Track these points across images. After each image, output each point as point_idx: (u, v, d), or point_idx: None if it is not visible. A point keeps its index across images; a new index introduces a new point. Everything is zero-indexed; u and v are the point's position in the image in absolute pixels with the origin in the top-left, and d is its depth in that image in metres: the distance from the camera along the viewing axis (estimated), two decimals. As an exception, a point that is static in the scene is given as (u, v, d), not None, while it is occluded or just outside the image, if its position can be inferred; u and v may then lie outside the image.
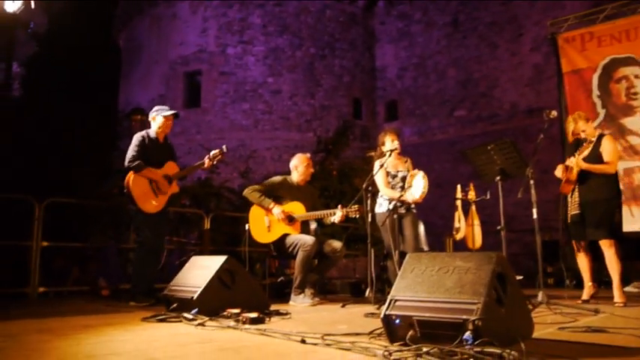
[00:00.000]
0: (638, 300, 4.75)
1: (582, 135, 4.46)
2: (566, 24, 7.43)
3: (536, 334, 2.52)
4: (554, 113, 4.30)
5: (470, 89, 13.14)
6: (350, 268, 5.42)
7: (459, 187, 5.28)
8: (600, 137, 4.42)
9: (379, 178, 4.76)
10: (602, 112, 6.48)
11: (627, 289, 5.32)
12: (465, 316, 2.26)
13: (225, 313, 3.18)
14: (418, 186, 4.55)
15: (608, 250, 4.34)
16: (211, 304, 3.33)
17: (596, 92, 6.58)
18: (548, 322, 3.22)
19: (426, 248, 5.39)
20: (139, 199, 4.34)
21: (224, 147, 4.63)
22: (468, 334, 2.21)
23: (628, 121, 6.36)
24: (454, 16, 13.91)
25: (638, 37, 6.51)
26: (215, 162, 4.66)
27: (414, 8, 14.75)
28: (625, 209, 4.56)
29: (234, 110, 13.35)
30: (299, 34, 13.93)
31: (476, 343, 2.14)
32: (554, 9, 11.02)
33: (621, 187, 4.69)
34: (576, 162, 4.31)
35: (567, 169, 4.36)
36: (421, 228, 5.26)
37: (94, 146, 7.49)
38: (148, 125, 4.72)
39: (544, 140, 4.44)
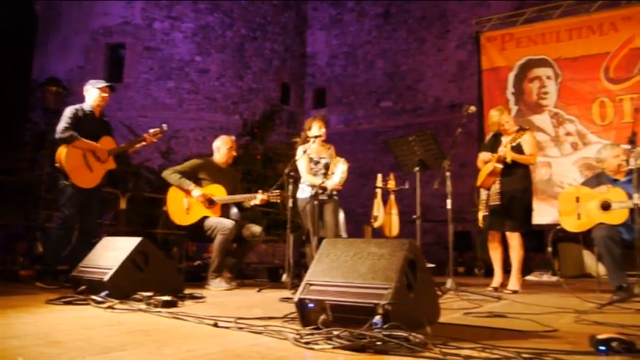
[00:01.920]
0: (537, 288, 5.06)
1: (505, 127, 4.66)
2: (489, 24, 7.73)
3: (442, 319, 2.63)
4: (473, 108, 4.47)
5: (396, 81, 13.39)
6: (269, 253, 5.43)
7: (379, 176, 5.39)
8: (519, 130, 4.62)
9: (302, 163, 4.77)
10: (514, 109, 6.83)
11: (528, 277, 5.66)
12: (375, 301, 2.31)
13: (136, 296, 3.10)
14: (338, 172, 4.62)
15: (516, 239, 4.59)
16: (123, 286, 3.23)
17: (510, 89, 6.93)
18: (454, 307, 3.36)
19: (344, 235, 5.48)
20: (71, 173, 4.13)
21: (164, 125, 4.56)
22: (377, 318, 2.26)
23: (537, 118, 6.75)
24: (386, 8, 14.10)
25: (552, 40, 6.89)
26: (155, 140, 4.58)
27: (347, -3, 14.82)
28: (534, 201, 4.83)
29: (159, 88, 12.92)
30: (230, 14, 13.65)
31: (385, 326, 2.19)
32: (480, 8, 11.42)
33: (532, 180, 4.96)
34: (507, 152, 4.47)
35: (498, 159, 4.49)
36: (341, 215, 5.34)
37: (3, 117, 7.02)
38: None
39: (462, 134, 4.61)
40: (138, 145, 4.65)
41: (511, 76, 6.97)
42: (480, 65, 7.36)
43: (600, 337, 1.89)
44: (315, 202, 4.57)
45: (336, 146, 5.04)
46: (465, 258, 6.79)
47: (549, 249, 5.80)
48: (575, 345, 2.04)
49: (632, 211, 3.97)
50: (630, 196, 4.04)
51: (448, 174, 4.33)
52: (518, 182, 4.56)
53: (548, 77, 6.79)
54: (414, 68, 13.14)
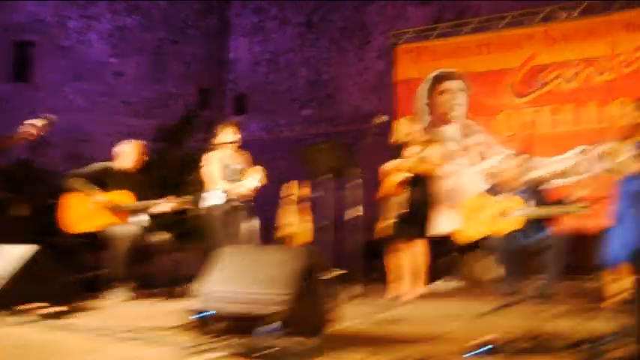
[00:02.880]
0: (441, 294, 5.22)
1: (413, 137, 4.80)
2: (405, 36, 7.95)
3: (343, 325, 2.65)
4: (384, 118, 4.60)
5: (318, 90, 13.50)
6: (175, 262, 5.27)
7: (292, 183, 5.40)
8: (427, 141, 4.77)
9: (215, 169, 4.69)
10: (426, 119, 7.06)
11: (433, 284, 5.82)
12: (271, 308, 2.29)
13: (26, 308, 2.92)
14: (251, 180, 4.58)
15: (422, 246, 4.72)
16: (14, 297, 3.04)
17: (423, 101, 7.17)
18: (357, 314, 3.41)
19: (256, 243, 5.43)
20: None
21: (50, 116, 4.16)
22: (272, 325, 2.25)
23: (447, 129, 7.03)
24: (308, 17, 14.20)
25: (464, 55, 7.21)
26: (42, 133, 4.17)
27: (270, 4, 14.80)
28: (436, 211, 4.99)
29: (71, 89, 12.32)
30: (149, 16, 13.27)
31: (280, 333, 2.18)
32: (400, 20, 11.70)
33: (435, 190, 5.13)
34: (414, 161, 4.59)
35: (405, 168, 4.60)
36: (254, 223, 5.28)
37: None
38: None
39: (376, 143, 4.71)
40: (16, 139, 4.20)
41: (423, 88, 7.22)
42: (395, 76, 7.57)
43: (482, 339, 1.96)
44: (227, 210, 4.50)
45: (256, 154, 4.98)
46: (378, 265, 6.89)
47: (454, 255, 6.03)
48: (461, 347, 2.11)
49: (528, 218, 4.20)
50: (528, 204, 4.28)
51: (360, 182, 4.41)
52: (423, 191, 4.71)
53: (458, 90, 7.09)
54: (335, 77, 13.29)
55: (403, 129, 4.83)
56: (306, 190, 5.42)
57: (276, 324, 2.24)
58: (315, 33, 14.08)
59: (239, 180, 4.70)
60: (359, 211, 4.37)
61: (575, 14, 6.79)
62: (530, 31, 6.93)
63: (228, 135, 4.78)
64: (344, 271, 4.65)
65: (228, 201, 4.52)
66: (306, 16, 14.65)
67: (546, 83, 6.70)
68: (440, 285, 5.96)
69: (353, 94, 13.02)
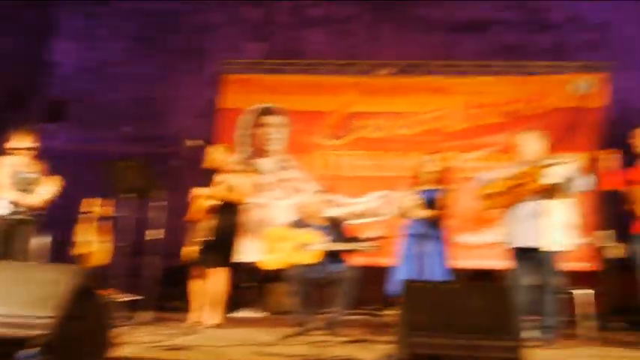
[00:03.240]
0: (241, 323, 5.27)
1: (223, 165, 4.86)
2: (236, 66, 8.11)
3: (122, 352, 2.55)
4: (198, 142, 4.63)
5: (143, 108, 13.01)
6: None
7: (94, 199, 5.11)
8: (238, 171, 4.86)
9: (2, 176, 4.27)
10: (244, 150, 7.22)
11: (234, 314, 5.88)
12: (30, 332, 2.13)
13: None
14: (42, 191, 4.25)
15: (222, 274, 4.75)
16: None
17: (244, 132, 7.33)
18: (145, 340, 3.31)
19: (46, 260, 5.01)
20: None
21: None
22: (33, 351, 2.09)
23: (264, 162, 7.26)
24: (144, 32, 13.73)
25: (288, 92, 7.54)
26: None
27: (105, 11, 14.05)
28: (240, 240, 5.09)
29: None
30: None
31: (43, 359, 2.04)
32: (234, 51, 11.85)
33: (242, 219, 5.24)
34: (223, 189, 4.61)
35: (214, 196, 4.61)
36: (45, 239, 4.88)
37: None
38: None
39: (190, 168, 4.68)
40: None
41: (245, 120, 7.39)
42: (220, 104, 7.65)
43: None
44: (11, 222, 4.11)
45: (65, 165, 4.62)
46: (179, 291, 6.75)
47: (255, 285, 6.16)
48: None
49: (326, 251, 4.46)
50: (327, 239, 4.56)
51: (164, 204, 4.33)
52: (230, 219, 4.78)
53: (278, 125, 7.37)
54: (163, 98, 12.94)
55: (215, 155, 4.89)
56: (109, 209, 5.16)
57: (38, 349, 2.09)
58: (148, 49, 13.63)
59: (31, 190, 4.33)
60: (160, 234, 4.28)
61: (387, 73, 7.54)
62: (349, 80, 7.51)
63: (24, 141, 4.40)
64: (138, 297, 4.49)
65: (14, 213, 4.13)
66: (141, 31, 14.17)
67: (357, 130, 7.28)
68: (239, 314, 6.02)
69: (179, 117, 12.78)
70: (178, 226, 6.23)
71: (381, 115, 7.31)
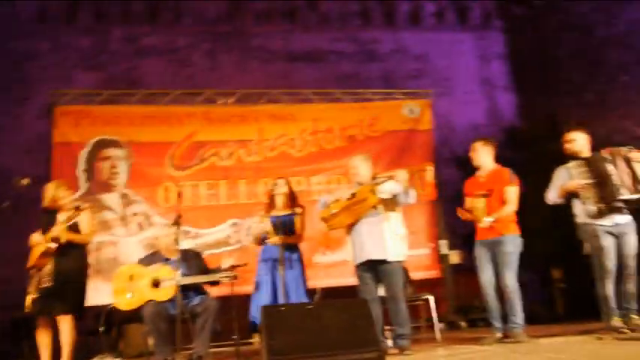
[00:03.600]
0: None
1: (59, 202, 4.49)
2: (66, 97, 7.56)
3: None
4: (26, 181, 4.23)
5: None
6: None
7: None
8: (76, 209, 4.50)
9: None
10: (84, 186, 6.74)
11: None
12: None
13: None
14: None
15: (68, 323, 4.36)
16: None
17: (82, 166, 6.83)
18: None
19: None
20: None
21: None
22: None
23: (106, 197, 6.82)
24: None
25: (127, 124, 7.19)
26: None
27: None
28: (90, 283, 4.74)
29: None
30: None
31: None
32: (63, 81, 11.07)
33: (90, 260, 4.88)
34: (61, 231, 4.26)
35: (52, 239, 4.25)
36: None
37: None
38: None
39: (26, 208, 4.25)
40: None
41: (83, 153, 6.90)
42: (53, 138, 7.05)
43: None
44: None
45: None
46: (25, 346, 6.10)
47: (107, 330, 5.75)
48: None
49: (178, 287, 4.30)
50: (180, 273, 4.39)
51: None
52: (73, 262, 4.43)
53: (120, 158, 6.99)
54: (-18, 132, 11.65)
55: (54, 193, 4.52)
56: None
57: None
58: (-39, 79, 12.21)
59: None
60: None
61: (231, 101, 7.59)
62: (192, 110, 7.41)
63: None
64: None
65: None
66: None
67: (204, 159, 7.19)
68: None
69: (6, 154, 11.57)
70: (16, 274, 5.63)
71: (228, 144, 7.30)
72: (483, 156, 4.69)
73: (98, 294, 5.51)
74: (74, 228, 4.43)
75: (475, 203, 4.48)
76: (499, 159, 4.77)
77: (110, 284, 5.30)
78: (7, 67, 12.00)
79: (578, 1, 10.61)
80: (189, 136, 7.23)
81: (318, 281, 6.57)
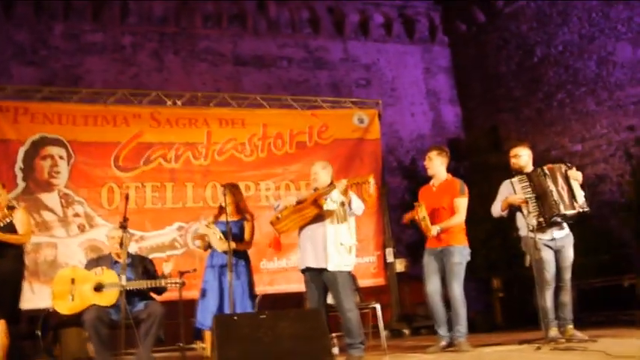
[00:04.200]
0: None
1: None
2: (2, 93, 7.20)
3: None
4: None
5: None
6: None
7: None
8: (10, 208, 4.32)
9: None
10: (21, 185, 6.42)
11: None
12: None
13: None
14: None
15: (1, 327, 4.15)
16: None
17: (19, 165, 6.50)
18: None
19: None
20: None
21: None
22: None
23: (46, 197, 6.51)
24: None
25: (68, 122, 6.87)
26: None
27: None
28: (26, 285, 4.54)
29: None
30: None
31: None
32: (1, 76, 10.56)
33: (27, 261, 4.67)
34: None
35: None
36: None
37: None
38: None
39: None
40: None
41: (22, 151, 6.56)
42: (-10, 135, 6.67)
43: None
44: None
45: None
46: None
47: (44, 334, 5.50)
48: None
49: (122, 292, 4.16)
50: (123, 277, 4.25)
51: None
52: (9, 264, 4.23)
53: (61, 157, 6.68)
54: None
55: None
56: None
57: None
58: None
59: None
60: None
61: (179, 103, 7.44)
62: (139, 110, 7.20)
63: None
64: None
65: None
66: None
67: (150, 161, 6.99)
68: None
69: None
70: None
71: (175, 146, 7.12)
72: (437, 165, 4.74)
73: (35, 297, 5.28)
74: (9, 228, 4.22)
75: (425, 212, 4.55)
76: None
77: (48, 287, 5.10)
78: None
79: (518, 22, 11.13)
80: (135, 137, 7.01)
81: (263, 287, 6.52)
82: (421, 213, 4.54)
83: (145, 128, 7.09)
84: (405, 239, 8.05)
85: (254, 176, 7.30)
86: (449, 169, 4.84)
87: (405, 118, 11.88)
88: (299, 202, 4.24)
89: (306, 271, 4.27)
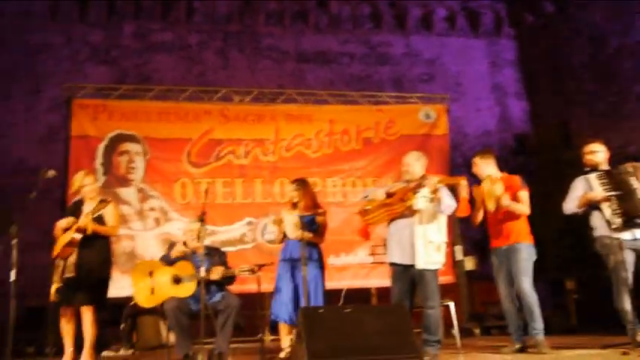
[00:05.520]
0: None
1: (86, 190, 4.52)
2: (82, 91, 7.55)
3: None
4: (52, 173, 4.26)
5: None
6: None
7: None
8: (102, 201, 4.54)
9: None
10: (102, 179, 6.72)
11: (105, 353, 5.51)
12: None
13: None
14: None
15: (90, 314, 4.38)
16: None
17: (99, 160, 6.83)
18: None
19: None
20: None
21: None
22: None
23: (123, 191, 6.82)
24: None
25: (143, 119, 7.18)
26: None
27: None
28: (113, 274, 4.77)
29: None
30: None
31: None
32: (77, 74, 11.07)
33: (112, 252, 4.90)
34: (88, 222, 4.28)
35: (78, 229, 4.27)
36: None
37: None
38: None
39: (45, 201, 4.26)
40: None
41: (101, 147, 6.89)
42: (69, 131, 7.04)
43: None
44: None
45: None
46: (37, 336, 6.14)
47: (124, 323, 5.78)
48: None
49: (199, 283, 4.30)
50: (201, 269, 4.39)
51: (15, 242, 3.92)
52: (97, 254, 4.45)
53: (137, 153, 6.99)
54: (-4, 122, 11.63)
55: (83, 183, 4.54)
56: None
57: None
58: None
59: None
60: (12, 275, 3.85)
61: (247, 100, 7.59)
62: (209, 107, 7.41)
63: None
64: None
65: None
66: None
67: (221, 157, 7.18)
68: (109, 353, 5.61)
69: (18, 145, 11.53)
70: (34, 263, 5.63)
71: (244, 142, 7.29)
72: (485, 168, 4.60)
73: (113, 286, 5.53)
74: (99, 220, 4.45)
75: (495, 185, 4.40)
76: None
77: (126, 277, 5.33)
78: (20, 59, 12.01)
79: (590, 11, 10.66)
80: (205, 134, 7.23)
81: (335, 282, 6.58)
82: (499, 189, 4.37)
83: (215, 125, 7.28)
84: (473, 237, 7.88)
85: (320, 173, 7.34)
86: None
87: (469, 113, 11.63)
88: (389, 195, 4.19)
89: (392, 265, 4.25)
